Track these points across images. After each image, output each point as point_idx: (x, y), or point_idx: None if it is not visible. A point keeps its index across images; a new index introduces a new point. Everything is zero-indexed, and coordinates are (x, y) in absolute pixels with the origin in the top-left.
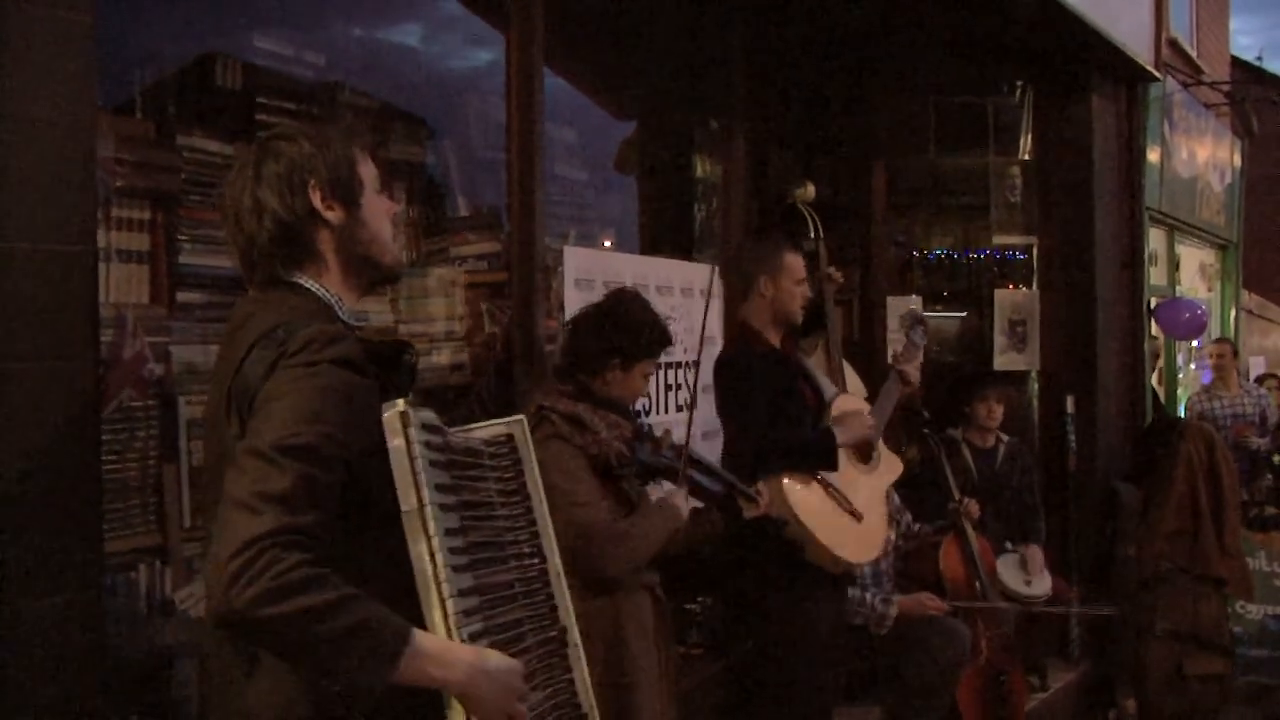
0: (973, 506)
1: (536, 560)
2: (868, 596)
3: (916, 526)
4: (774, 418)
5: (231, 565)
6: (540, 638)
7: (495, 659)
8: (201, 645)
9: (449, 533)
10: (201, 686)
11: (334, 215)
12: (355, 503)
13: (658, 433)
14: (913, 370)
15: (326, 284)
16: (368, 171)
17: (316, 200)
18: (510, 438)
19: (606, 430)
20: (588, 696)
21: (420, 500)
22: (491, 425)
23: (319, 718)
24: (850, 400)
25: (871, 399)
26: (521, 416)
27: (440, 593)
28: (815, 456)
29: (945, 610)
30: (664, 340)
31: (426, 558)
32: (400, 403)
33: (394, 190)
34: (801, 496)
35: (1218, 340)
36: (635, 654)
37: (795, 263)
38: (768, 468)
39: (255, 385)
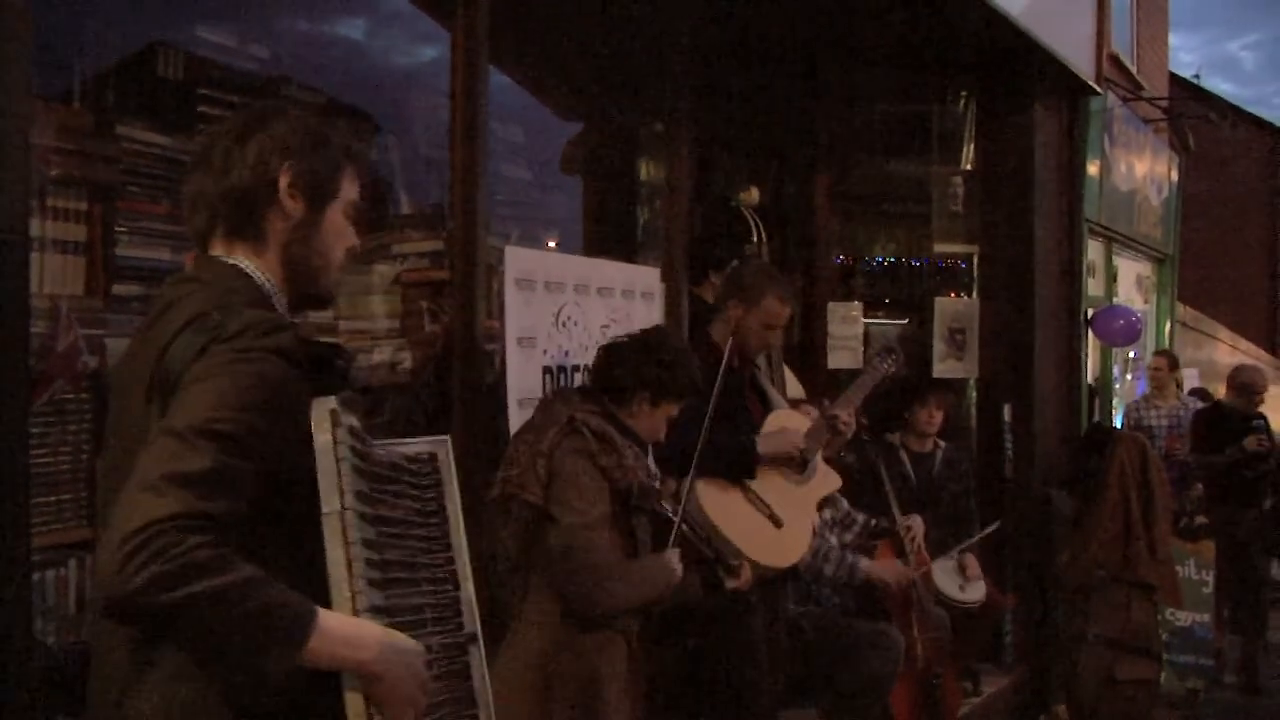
0: (917, 527)
1: (450, 588)
2: (834, 541)
3: (861, 518)
4: (712, 426)
5: (125, 548)
6: (446, 669)
7: (403, 639)
8: (93, 643)
9: (366, 544)
10: (89, 690)
11: (293, 205)
12: (273, 502)
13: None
14: (846, 416)
15: (267, 272)
16: (348, 191)
17: (283, 181)
18: (434, 457)
19: (633, 459)
20: None
21: (343, 503)
22: (415, 443)
23: None
24: (787, 415)
25: (810, 401)
26: (446, 437)
27: (354, 604)
28: (732, 463)
29: (910, 579)
30: (695, 388)
31: (343, 564)
32: (332, 399)
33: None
34: (717, 499)
35: (1157, 352)
36: (610, 699)
37: (773, 308)
38: (689, 467)
39: (181, 369)
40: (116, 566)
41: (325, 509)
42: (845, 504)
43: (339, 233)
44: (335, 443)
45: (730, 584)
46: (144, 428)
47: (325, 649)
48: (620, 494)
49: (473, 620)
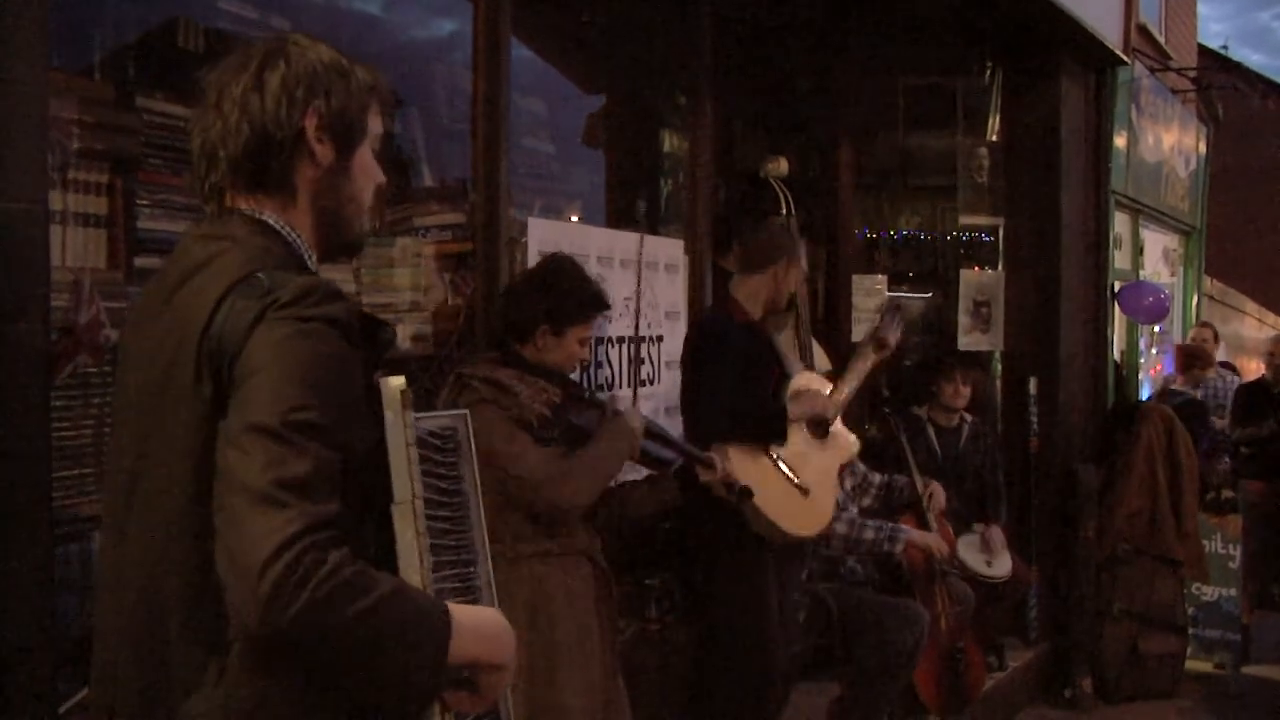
0: (939, 494)
1: (471, 568)
2: (854, 510)
3: (878, 478)
4: (739, 386)
5: (269, 576)
6: None
7: (500, 617)
8: (134, 636)
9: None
10: (128, 683)
11: (322, 151)
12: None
13: (603, 398)
14: (891, 337)
15: (295, 227)
16: (375, 125)
17: (310, 124)
18: (455, 431)
19: (526, 394)
20: (506, 705)
21: (414, 491)
22: (438, 416)
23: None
24: (811, 378)
25: (839, 375)
26: (465, 411)
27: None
28: (764, 428)
29: (949, 553)
30: (597, 304)
31: (415, 553)
32: (401, 378)
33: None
34: (748, 468)
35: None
36: (559, 621)
37: (803, 257)
38: (720, 432)
39: (238, 341)
40: (267, 597)
41: (397, 497)
42: (862, 467)
43: (369, 173)
44: (405, 426)
45: (705, 477)
46: (191, 408)
47: (463, 649)
48: (523, 428)
49: (491, 597)
